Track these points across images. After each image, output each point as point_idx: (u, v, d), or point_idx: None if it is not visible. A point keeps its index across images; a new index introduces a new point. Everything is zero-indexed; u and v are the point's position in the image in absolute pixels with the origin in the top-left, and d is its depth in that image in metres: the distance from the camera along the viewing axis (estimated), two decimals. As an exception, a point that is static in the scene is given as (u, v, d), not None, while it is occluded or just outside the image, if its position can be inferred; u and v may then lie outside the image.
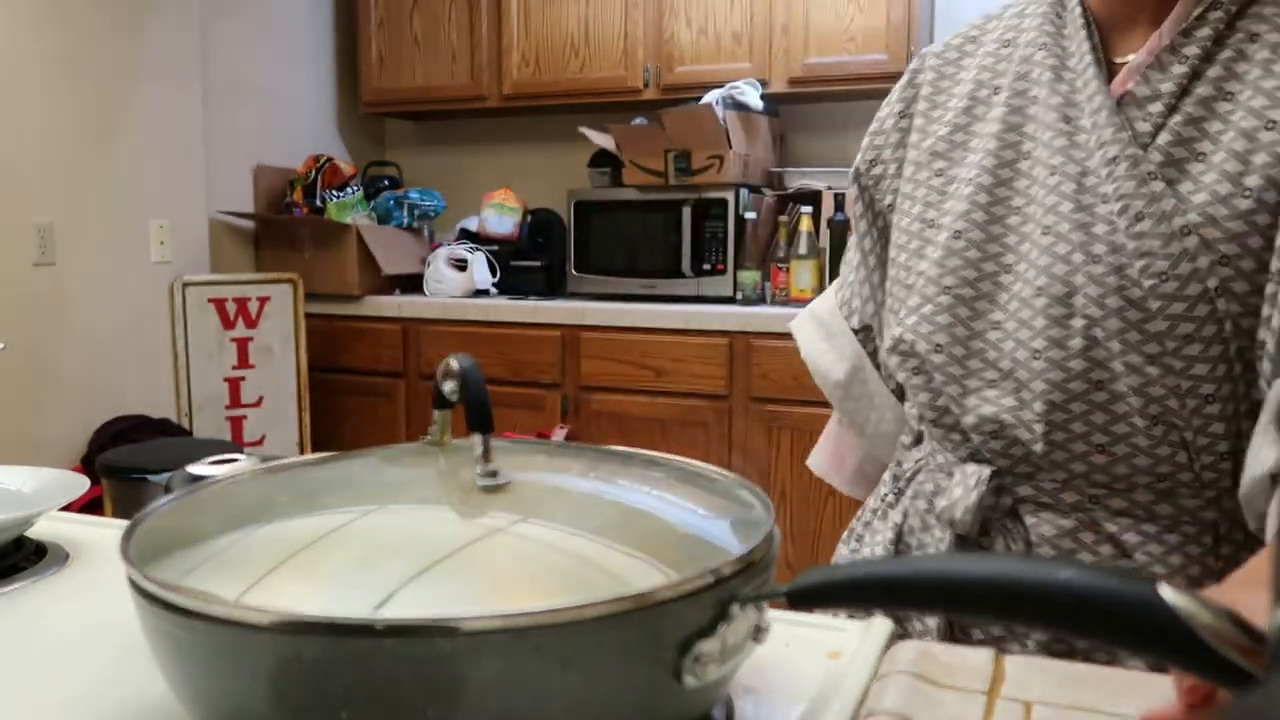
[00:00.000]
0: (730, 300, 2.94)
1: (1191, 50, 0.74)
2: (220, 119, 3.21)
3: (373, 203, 3.42)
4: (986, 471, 0.79)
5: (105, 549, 0.75)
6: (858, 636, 0.58)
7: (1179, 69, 0.74)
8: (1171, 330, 0.71)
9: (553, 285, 3.30)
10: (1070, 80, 0.79)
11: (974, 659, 0.56)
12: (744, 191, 2.95)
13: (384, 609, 0.38)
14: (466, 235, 3.46)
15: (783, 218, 2.95)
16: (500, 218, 3.35)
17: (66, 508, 0.79)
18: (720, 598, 0.41)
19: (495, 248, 3.36)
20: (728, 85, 2.98)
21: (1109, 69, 0.79)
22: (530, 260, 3.34)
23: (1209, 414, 0.72)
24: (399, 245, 3.37)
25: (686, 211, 2.97)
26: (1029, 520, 0.78)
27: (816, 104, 3.20)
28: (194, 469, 0.81)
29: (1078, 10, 0.80)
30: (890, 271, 0.89)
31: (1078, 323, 0.75)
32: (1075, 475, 0.76)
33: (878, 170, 0.93)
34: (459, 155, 3.84)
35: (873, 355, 0.95)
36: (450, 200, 3.61)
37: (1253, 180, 0.70)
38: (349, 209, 3.31)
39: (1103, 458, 0.75)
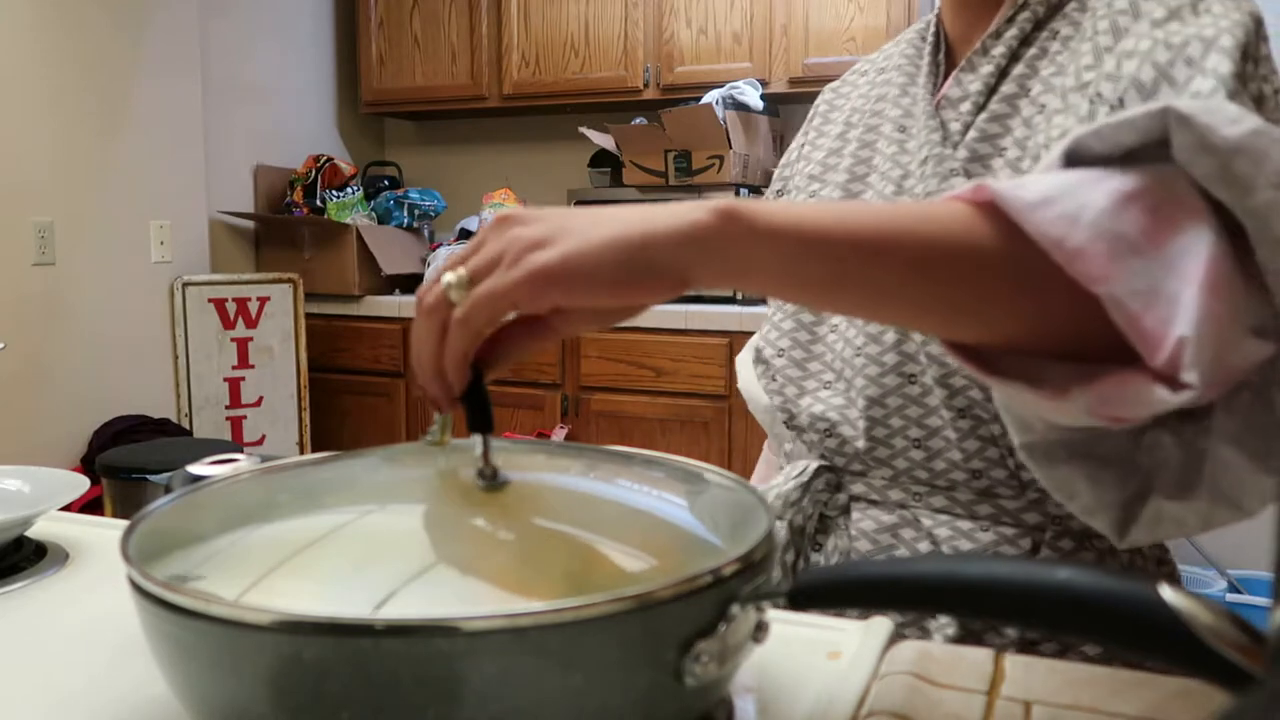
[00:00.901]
0: (730, 300, 2.94)
1: (998, 50, 0.76)
2: (220, 119, 3.21)
3: (373, 203, 3.42)
4: (813, 465, 0.81)
5: (105, 549, 0.75)
6: (858, 636, 0.58)
7: (986, 68, 0.77)
8: None
9: (553, 285, 3.30)
10: (913, 93, 0.83)
11: (974, 659, 0.56)
12: (744, 191, 2.95)
13: (384, 609, 0.38)
14: (466, 235, 3.46)
15: (783, 218, 2.95)
16: (500, 218, 3.35)
17: (66, 508, 0.79)
18: (720, 598, 0.41)
19: (495, 248, 3.36)
20: (728, 85, 2.98)
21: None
22: (530, 260, 3.34)
23: None
24: (399, 245, 3.37)
25: (686, 211, 2.97)
26: (855, 516, 0.80)
27: (816, 104, 3.19)
28: (194, 469, 0.81)
29: (933, 30, 0.85)
30: None
31: None
32: (899, 472, 0.78)
33: (785, 200, 0.96)
34: (459, 155, 3.84)
35: None
36: (450, 200, 3.61)
37: (1026, 165, 0.72)
38: (349, 209, 3.31)
39: (919, 453, 0.76)
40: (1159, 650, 0.37)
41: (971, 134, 0.76)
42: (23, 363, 2.57)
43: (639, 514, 0.50)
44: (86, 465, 2.69)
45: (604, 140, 3.12)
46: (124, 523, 0.47)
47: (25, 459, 2.07)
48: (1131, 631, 0.37)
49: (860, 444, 0.79)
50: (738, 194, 2.92)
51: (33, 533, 0.75)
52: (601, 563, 0.44)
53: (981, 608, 0.41)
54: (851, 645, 0.57)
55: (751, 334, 3.06)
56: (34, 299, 2.61)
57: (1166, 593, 0.36)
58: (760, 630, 0.44)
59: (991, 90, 0.77)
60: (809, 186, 0.91)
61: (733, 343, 2.75)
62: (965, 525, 0.75)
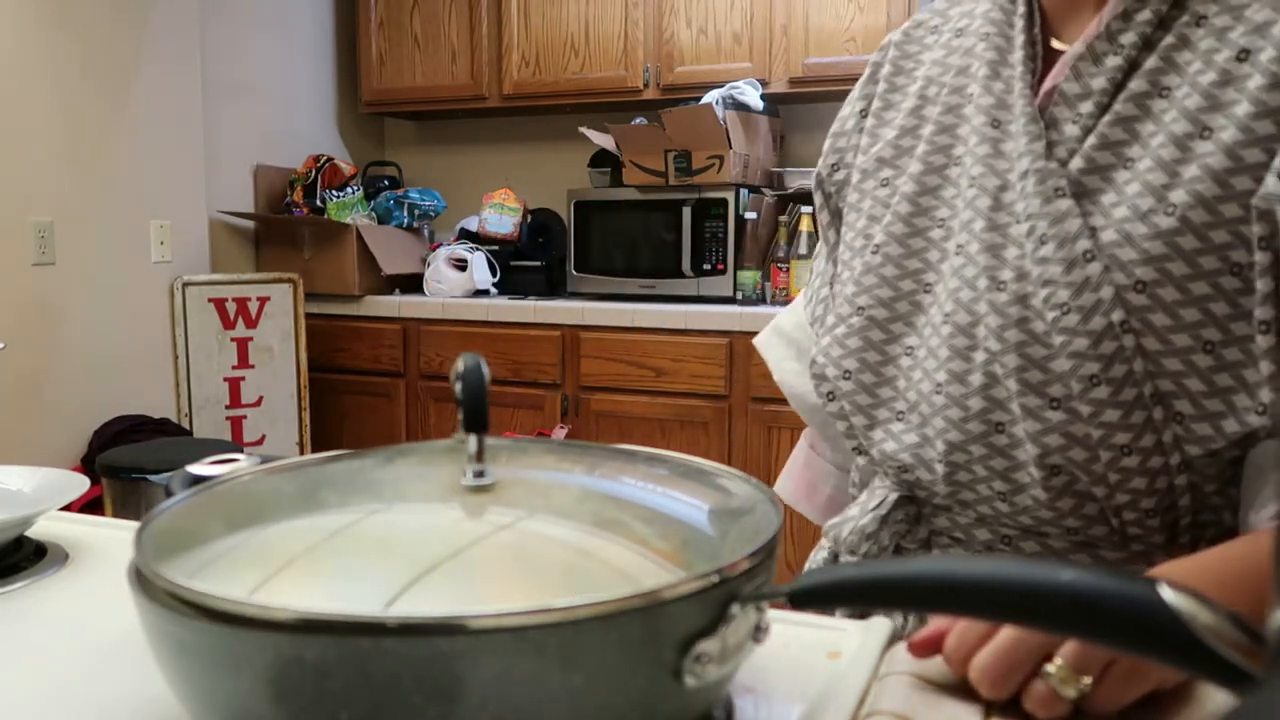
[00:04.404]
0: (730, 300, 2.94)
1: (1129, 38, 0.64)
2: (220, 119, 3.21)
3: (373, 203, 3.42)
4: (893, 496, 0.74)
5: (105, 549, 0.75)
6: (858, 636, 0.58)
7: (1114, 61, 0.65)
8: (1076, 370, 0.63)
9: (553, 285, 3.31)
10: (1007, 77, 0.71)
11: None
12: (744, 191, 2.95)
13: (393, 607, 0.38)
14: (466, 235, 3.46)
15: (783, 218, 2.95)
16: (500, 218, 3.35)
17: (66, 508, 0.78)
18: (722, 598, 0.41)
19: (495, 248, 3.37)
20: (728, 85, 2.98)
21: (1052, 61, 0.70)
22: (530, 260, 3.34)
23: (1125, 468, 0.64)
24: (399, 245, 3.37)
25: (686, 211, 2.97)
26: (936, 554, 0.73)
27: (816, 104, 3.20)
28: (194, 469, 0.80)
29: None
30: (835, 287, 0.82)
31: (979, 356, 0.68)
32: (985, 516, 0.70)
33: (840, 175, 0.84)
34: (459, 155, 3.84)
35: None
36: (450, 200, 3.61)
37: (1178, 195, 0.61)
38: (349, 209, 3.31)
39: (1005, 506, 0.69)
40: (1159, 650, 0.37)
41: (1091, 140, 0.65)
42: (23, 363, 2.57)
43: (644, 512, 0.50)
44: (86, 465, 2.69)
45: (604, 140, 3.12)
46: (124, 523, 0.47)
47: (25, 459, 2.07)
48: (1131, 631, 0.37)
49: (940, 488, 0.71)
50: (738, 194, 2.92)
51: (33, 533, 0.75)
52: (607, 561, 0.44)
53: (982, 608, 0.41)
54: (851, 645, 0.57)
55: (751, 334, 3.00)
56: (34, 299, 2.61)
57: (1166, 593, 0.36)
58: (760, 630, 0.44)
59: (1119, 86, 0.65)
60: (880, 172, 0.78)
61: (732, 343, 2.75)
62: None
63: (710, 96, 2.94)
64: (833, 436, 0.89)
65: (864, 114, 0.83)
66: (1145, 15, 0.64)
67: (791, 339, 0.91)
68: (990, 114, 0.71)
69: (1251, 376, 0.61)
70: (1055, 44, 0.71)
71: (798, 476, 0.97)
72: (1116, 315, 0.62)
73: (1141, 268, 0.62)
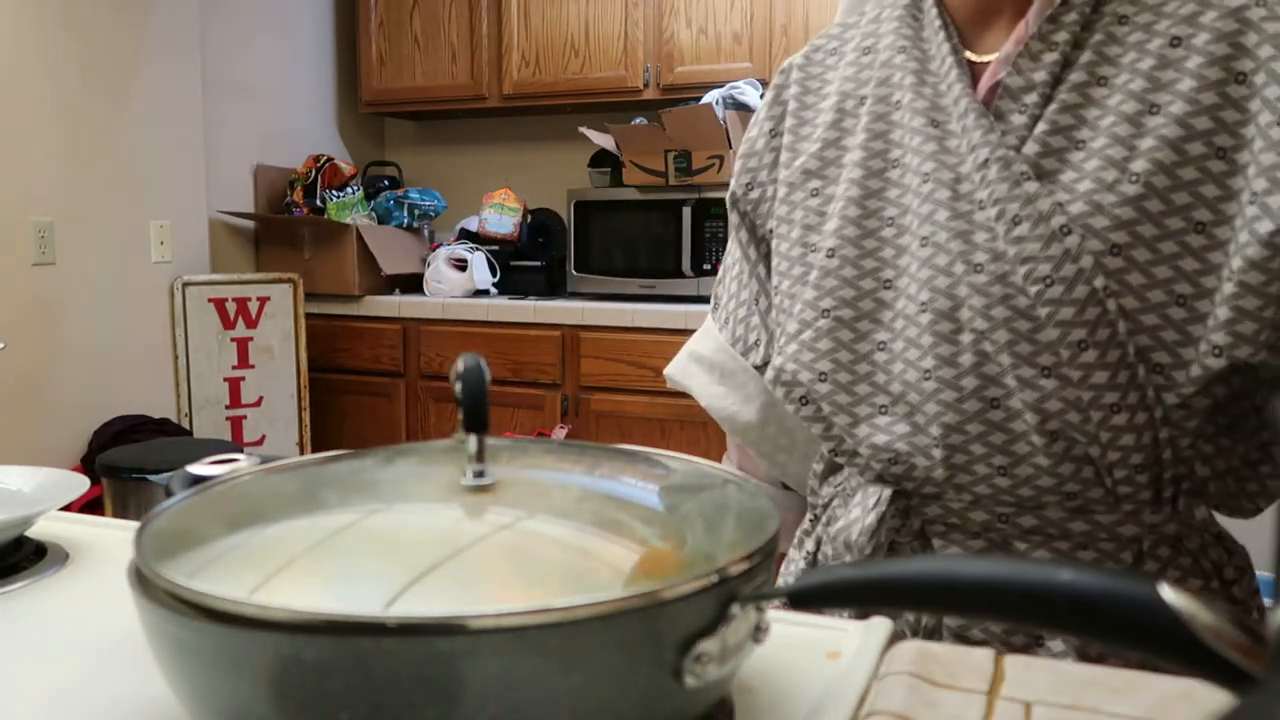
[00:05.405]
0: (730, 300, 2.94)
1: (1061, 37, 0.71)
2: (220, 119, 3.21)
3: (373, 203, 3.43)
4: (887, 492, 0.76)
5: (105, 549, 0.75)
6: (858, 636, 0.58)
7: (1050, 56, 0.71)
8: (1064, 338, 0.68)
9: (553, 285, 3.31)
10: (934, 84, 0.76)
11: (974, 659, 0.56)
12: (744, 191, 2.95)
13: (393, 607, 0.38)
14: (466, 235, 3.46)
15: (783, 218, 2.95)
16: (500, 218, 3.35)
17: (66, 508, 0.78)
18: (722, 598, 0.41)
19: (495, 248, 3.37)
20: (728, 85, 2.98)
21: (970, 68, 0.76)
22: (530, 260, 3.35)
23: (1116, 425, 0.68)
24: (399, 245, 3.37)
25: (686, 211, 2.97)
26: (936, 544, 0.75)
27: (816, 104, 3.20)
28: (194, 469, 0.80)
29: (934, 11, 0.78)
30: (774, 300, 0.85)
31: (966, 338, 0.71)
32: (982, 496, 0.73)
33: (755, 194, 0.88)
34: (459, 155, 3.84)
35: None
36: (450, 200, 3.61)
37: (1139, 165, 0.67)
38: (349, 209, 3.31)
39: (1005, 480, 0.72)
40: (1159, 650, 0.37)
41: (1042, 126, 0.71)
42: (23, 363, 2.57)
43: (643, 512, 0.50)
44: (86, 465, 2.69)
45: (604, 140, 3.12)
46: (124, 523, 0.47)
47: (25, 459, 2.07)
48: (1132, 632, 0.37)
49: (938, 473, 0.73)
50: (738, 194, 2.92)
51: (33, 533, 0.75)
52: (606, 561, 0.44)
53: (982, 608, 0.41)
54: (851, 645, 0.57)
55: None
56: (34, 299, 2.61)
57: (1166, 593, 0.36)
58: (760, 630, 0.44)
59: (1058, 79, 0.71)
60: (807, 184, 0.82)
61: (733, 343, 2.75)
62: (1062, 546, 0.72)
63: (710, 96, 2.94)
64: (769, 453, 0.92)
65: (774, 133, 0.88)
66: (1072, 17, 0.71)
67: (713, 363, 0.95)
68: (928, 116, 0.76)
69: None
70: (970, 55, 0.77)
71: None
72: (1098, 281, 0.67)
73: (1115, 232, 0.67)
